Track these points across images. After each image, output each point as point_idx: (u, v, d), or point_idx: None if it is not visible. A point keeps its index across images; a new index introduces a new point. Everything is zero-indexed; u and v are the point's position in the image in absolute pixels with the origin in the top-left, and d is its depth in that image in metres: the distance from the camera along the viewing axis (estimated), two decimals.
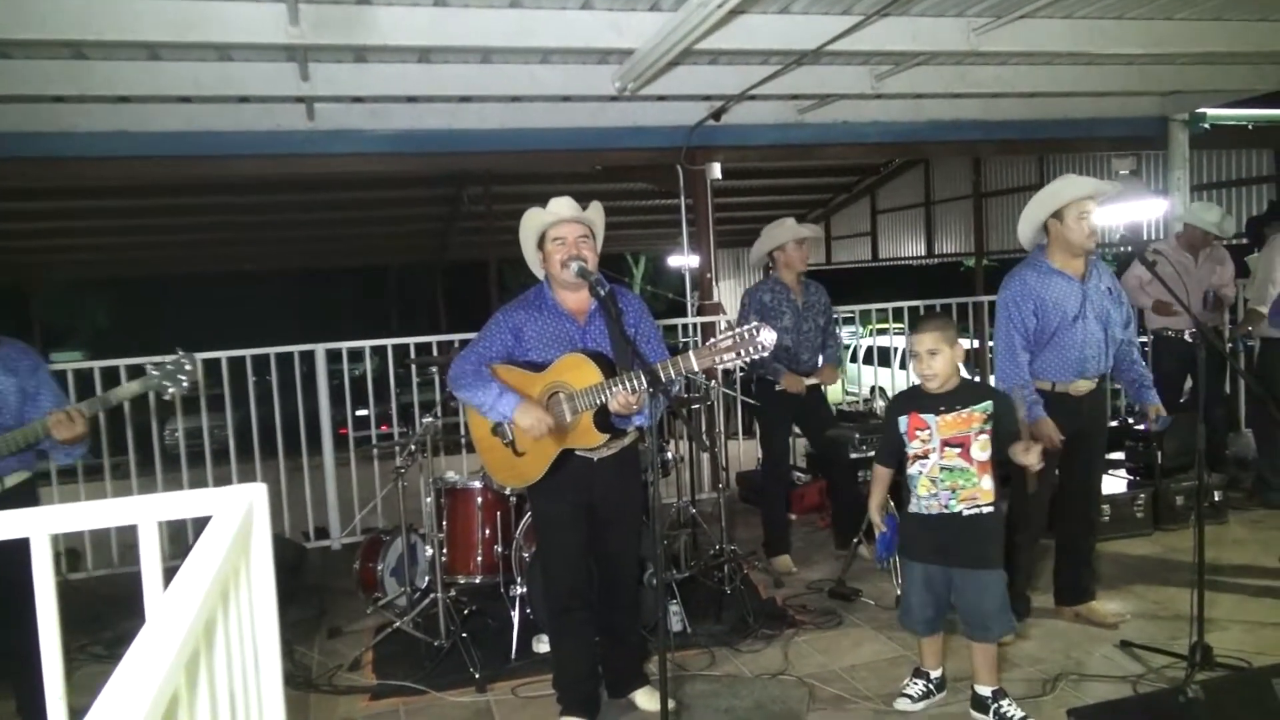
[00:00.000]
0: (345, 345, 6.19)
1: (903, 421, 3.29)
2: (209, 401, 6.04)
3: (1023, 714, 3.17)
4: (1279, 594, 4.24)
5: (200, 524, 1.22)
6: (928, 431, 3.24)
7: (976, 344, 8.40)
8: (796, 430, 5.47)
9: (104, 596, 4.95)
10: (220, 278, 20.93)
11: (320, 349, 6.00)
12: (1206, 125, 7.01)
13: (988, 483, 3.19)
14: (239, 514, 1.20)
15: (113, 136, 5.54)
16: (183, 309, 22.84)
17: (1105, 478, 5.53)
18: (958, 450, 3.19)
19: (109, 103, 5.31)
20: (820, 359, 5.08)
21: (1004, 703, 3.20)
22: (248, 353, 5.89)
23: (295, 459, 6.16)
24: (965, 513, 3.19)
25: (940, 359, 3.19)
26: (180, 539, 4.84)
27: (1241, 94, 6.61)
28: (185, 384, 3.18)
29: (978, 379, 3.42)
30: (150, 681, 0.77)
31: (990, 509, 3.19)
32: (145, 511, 1.26)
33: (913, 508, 3.31)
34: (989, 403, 3.19)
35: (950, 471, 3.20)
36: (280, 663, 1.46)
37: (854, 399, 11.11)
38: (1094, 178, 3.92)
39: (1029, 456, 3.16)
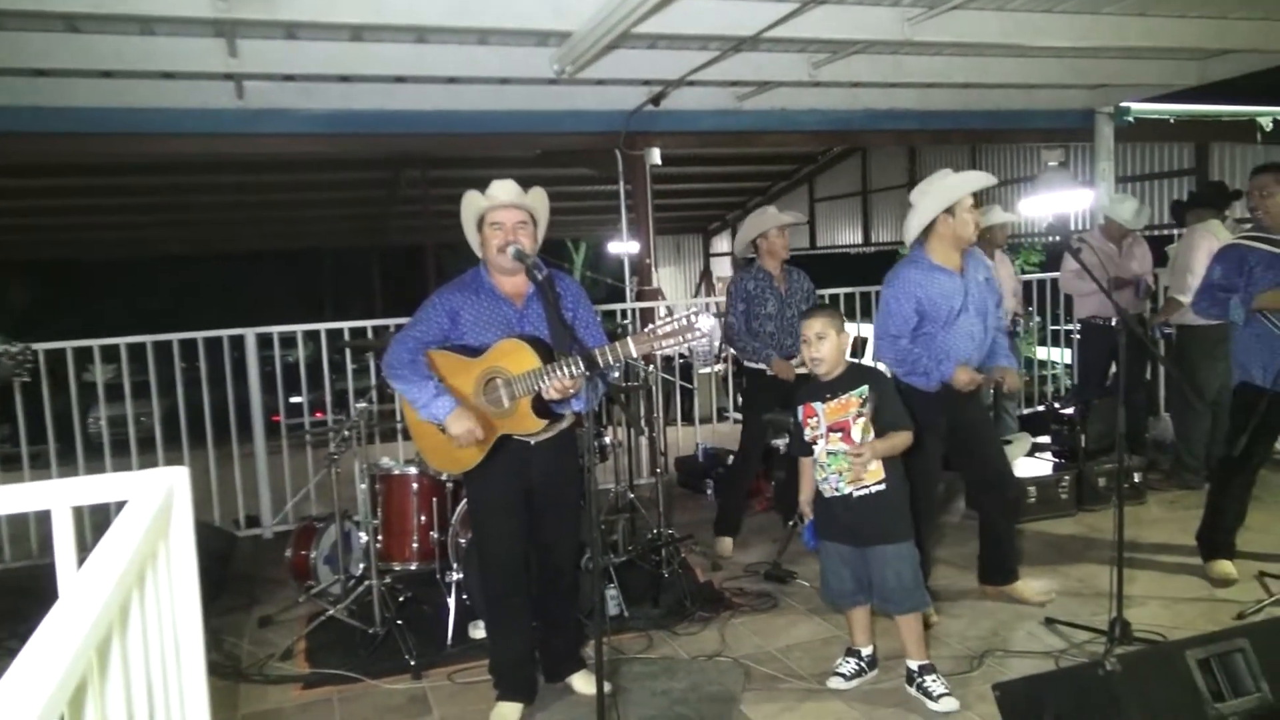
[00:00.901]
0: (276, 330, 6.05)
1: (799, 411, 3.39)
2: (135, 388, 5.86)
3: (944, 689, 3.24)
4: (1194, 571, 4.41)
5: None
6: (816, 419, 3.33)
7: None
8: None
9: (21, 589, 4.78)
10: (146, 261, 20.30)
11: (250, 333, 5.86)
12: (1131, 119, 7.23)
13: (873, 463, 3.26)
14: (158, 497, 1.17)
15: (26, 112, 5.31)
16: (107, 293, 22.11)
17: (1032, 460, 5.71)
18: (839, 435, 3.28)
19: (24, 76, 5.09)
20: None
21: (928, 678, 3.28)
22: (174, 337, 5.73)
23: (226, 447, 6.01)
24: (855, 494, 3.28)
25: (827, 344, 3.28)
26: (105, 531, 4.70)
27: (1164, 89, 6.81)
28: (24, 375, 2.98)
29: (862, 362, 3.48)
30: (57, 663, 0.74)
31: (881, 487, 3.26)
32: (58, 496, 1.22)
33: (818, 489, 3.40)
34: (864, 387, 3.27)
35: (835, 456, 3.29)
36: (204, 650, 1.42)
37: None
38: (982, 171, 4.01)
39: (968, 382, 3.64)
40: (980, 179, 3.88)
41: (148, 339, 5.63)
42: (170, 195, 12.46)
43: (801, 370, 4.99)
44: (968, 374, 3.82)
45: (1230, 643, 2.65)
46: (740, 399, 5.74)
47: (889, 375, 3.68)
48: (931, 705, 3.22)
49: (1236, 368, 4.28)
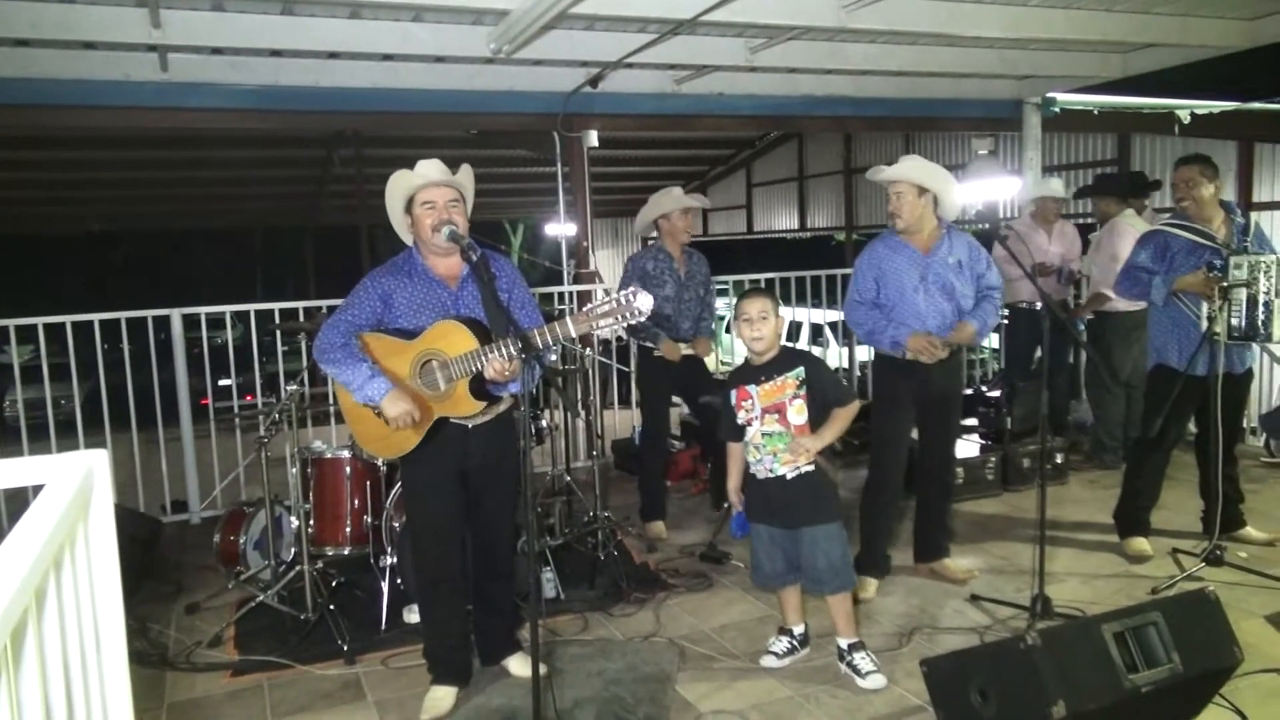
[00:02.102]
0: (204, 310, 5.88)
1: (732, 395, 3.42)
2: (54, 370, 5.66)
3: (873, 666, 3.32)
4: (1112, 548, 4.58)
5: None
6: (751, 401, 3.37)
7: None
8: (675, 400, 5.54)
9: None
10: (66, 238, 19.58)
11: (176, 314, 5.69)
12: (1057, 109, 7.41)
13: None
14: (75, 480, 1.13)
15: None
16: (24, 271, 21.28)
17: (960, 442, 5.85)
18: (776, 416, 3.32)
19: None
20: (697, 329, 5.15)
21: (857, 655, 3.36)
22: (95, 317, 5.54)
23: (151, 431, 5.85)
24: (789, 475, 3.33)
25: (769, 325, 3.33)
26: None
27: (1088, 80, 6.99)
28: None
29: (796, 346, 3.53)
30: None
31: (810, 468, 3.31)
32: None
33: (750, 472, 3.44)
34: (801, 368, 3.32)
35: (770, 437, 3.33)
36: (127, 637, 1.39)
37: (728, 367, 11.33)
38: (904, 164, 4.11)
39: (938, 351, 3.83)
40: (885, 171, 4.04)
41: (67, 319, 5.43)
42: (92, 171, 12.01)
43: (687, 352, 5.05)
44: (920, 340, 3.91)
45: (1144, 616, 2.76)
46: (633, 379, 5.76)
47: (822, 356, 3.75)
48: (860, 682, 3.31)
49: (1152, 351, 4.45)
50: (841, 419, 3.33)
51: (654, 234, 5.16)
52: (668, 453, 5.87)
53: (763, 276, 7.41)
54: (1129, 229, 5.66)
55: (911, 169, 3.96)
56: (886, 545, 4.29)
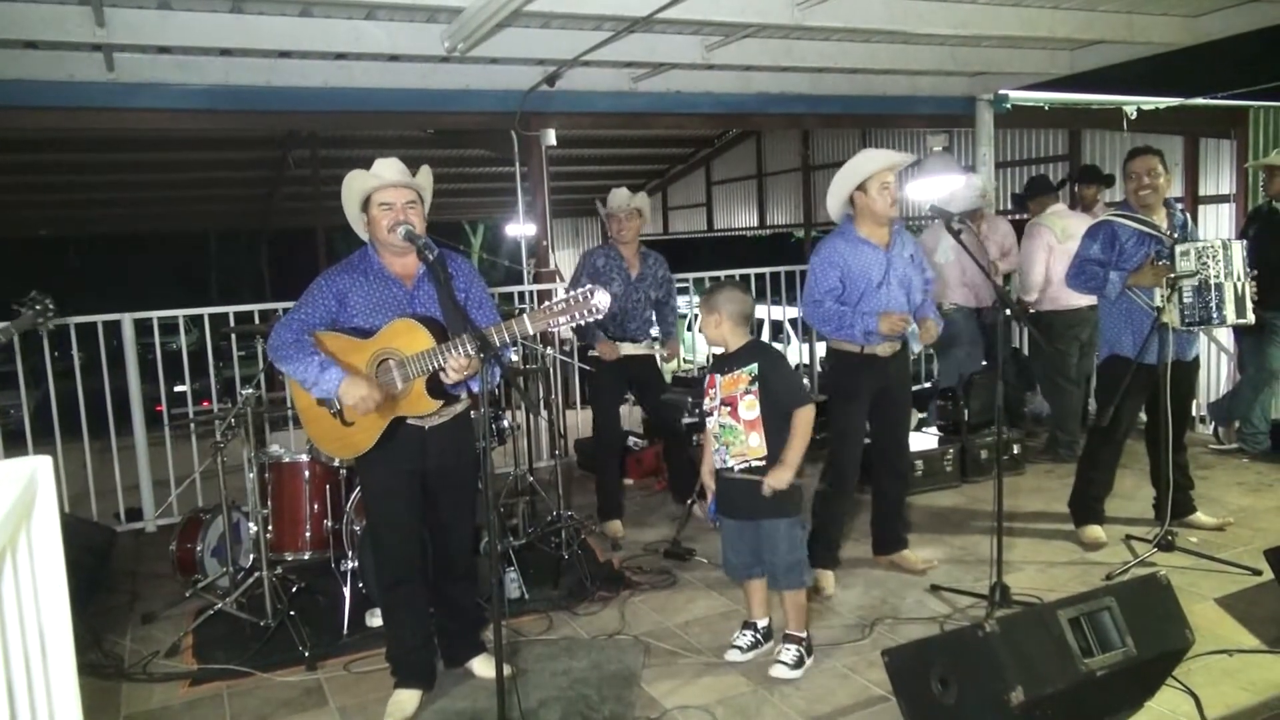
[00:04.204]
0: (156, 314, 5.77)
1: (706, 380, 3.46)
2: (0, 378, 5.51)
3: (792, 664, 3.33)
4: (1067, 536, 4.66)
5: None
6: (714, 390, 3.40)
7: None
8: (630, 397, 5.56)
9: None
10: (11, 242, 19.12)
11: (127, 318, 5.58)
12: (1009, 106, 7.51)
13: (755, 440, 3.31)
14: (17, 486, 1.11)
15: None
16: None
17: (919, 434, 5.93)
18: (729, 410, 3.34)
19: None
20: (652, 329, 5.18)
21: (790, 647, 3.38)
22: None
23: (104, 439, 5.73)
24: (738, 469, 3.34)
25: (710, 321, 3.40)
26: None
27: (1038, 77, 7.11)
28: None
29: (763, 340, 3.55)
30: None
31: (762, 463, 3.31)
32: None
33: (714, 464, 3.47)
34: (755, 364, 3.32)
35: (724, 429, 3.36)
36: (76, 648, 1.36)
37: (690, 366, 11.36)
38: (892, 150, 4.17)
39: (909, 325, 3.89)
40: (886, 158, 4.00)
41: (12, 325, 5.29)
42: (37, 174, 11.74)
43: (638, 352, 5.08)
44: (894, 318, 3.94)
45: (1098, 602, 2.81)
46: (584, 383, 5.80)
47: (783, 352, 3.76)
48: (771, 669, 3.34)
49: (1104, 344, 4.53)
50: (801, 431, 3.29)
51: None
52: (626, 451, 5.88)
53: (723, 274, 7.43)
54: (1041, 235, 5.98)
55: (899, 155, 4.01)
56: (840, 537, 4.32)
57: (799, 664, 3.35)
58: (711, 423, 3.41)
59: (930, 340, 4.16)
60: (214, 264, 25.30)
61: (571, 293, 2.83)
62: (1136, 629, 2.77)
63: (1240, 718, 2.93)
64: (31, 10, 4.46)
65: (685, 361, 11.54)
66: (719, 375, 3.39)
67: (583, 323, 2.84)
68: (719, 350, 3.50)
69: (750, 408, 3.31)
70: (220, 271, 25.04)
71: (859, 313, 3.97)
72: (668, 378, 6.04)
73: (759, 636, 3.54)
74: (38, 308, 3.85)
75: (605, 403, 5.22)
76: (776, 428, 3.31)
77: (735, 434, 3.33)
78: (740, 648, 3.51)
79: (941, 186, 6.61)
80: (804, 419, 3.31)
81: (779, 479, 3.26)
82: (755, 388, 3.31)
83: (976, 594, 3.89)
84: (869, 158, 3.99)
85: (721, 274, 7.42)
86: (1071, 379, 6.07)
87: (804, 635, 3.43)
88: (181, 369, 6.10)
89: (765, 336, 10.30)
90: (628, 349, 5.05)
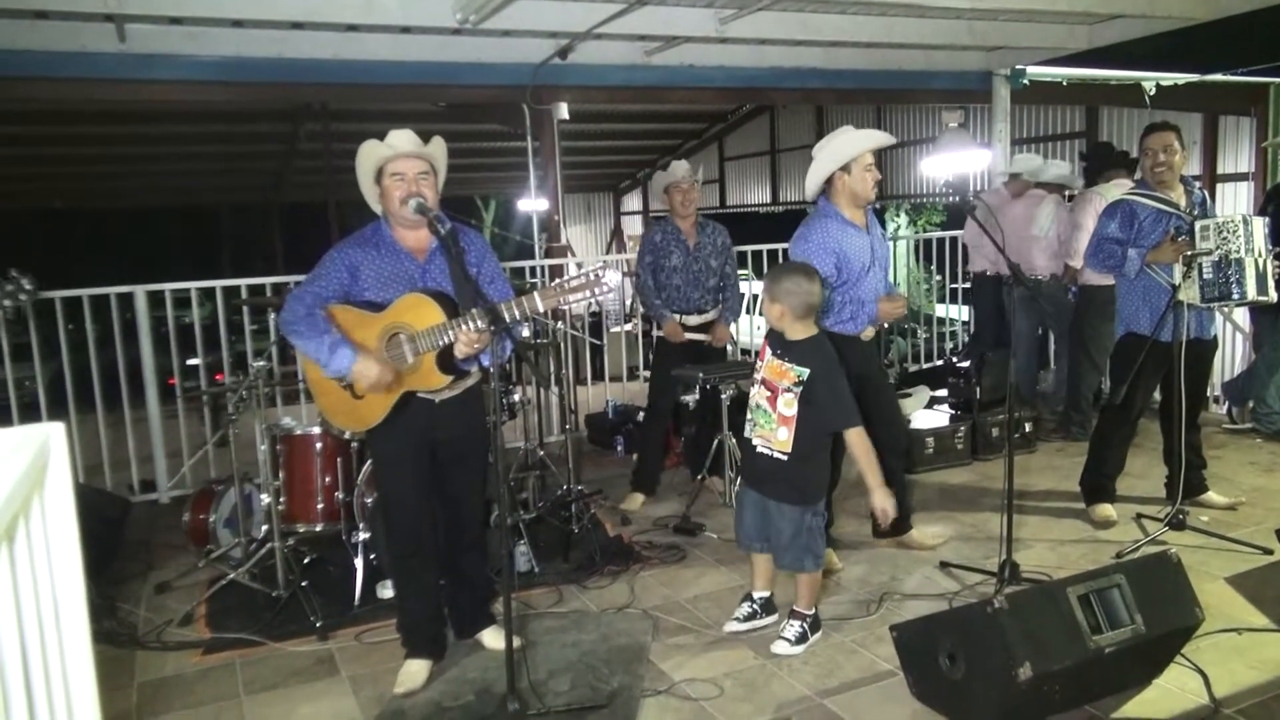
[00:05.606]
0: (168, 287, 5.79)
1: (759, 347, 3.42)
2: (16, 350, 5.55)
3: (793, 641, 3.34)
4: (1078, 514, 4.65)
5: None
6: (762, 364, 3.37)
7: None
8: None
9: None
10: (25, 215, 19.17)
11: (140, 290, 5.60)
12: (1026, 81, 7.43)
13: (784, 434, 3.28)
14: (30, 452, 1.11)
15: None
16: None
17: (931, 413, 5.91)
18: (769, 395, 3.32)
19: None
20: (717, 299, 5.15)
21: (793, 623, 3.38)
22: (56, 295, 5.43)
23: (118, 411, 5.77)
24: (760, 448, 3.34)
25: (773, 309, 3.33)
26: None
27: (1055, 52, 7.00)
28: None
29: (822, 341, 3.45)
30: None
31: (783, 458, 3.28)
32: None
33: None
34: (805, 370, 3.25)
35: (758, 409, 3.36)
36: (90, 615, 1.37)
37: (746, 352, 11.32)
38: (874, 129, 4.10)
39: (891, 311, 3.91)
40: (877, 138, 3.95)
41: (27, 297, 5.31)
42: (52, 146, 11.75)
43: (698, 337, 5.06)
44: (890, 303, 3.93)
45: (1108, 579, 2.81)
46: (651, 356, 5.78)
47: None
48: (773, 645, 3.36)
49: (1121, 321, 4.48)
50: (863, 453, 3.27)
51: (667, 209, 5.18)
52: (666, 431, 5.85)
53: (736, 250, 7.39)
54: (1096, 197, 5.77)
55: (881, 135, 3.97)
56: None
57: (801, 640, 3.36)
58: (754, 392, 3.39)
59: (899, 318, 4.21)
60: (226, 237, 25.31)
61: (584, 270, 2.82)
62: (1146, 607, 2.77)
63: (1248, 696, 2.93)
64: None
65: (743, 350, 11.48)
66: (770, 353, 3.34)
67: (597, 302, 2.83)
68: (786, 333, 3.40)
69: (789, 405, 3.26)
70: (232, 244, 25.06)
71: (857, 301, 3.91)
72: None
73: (756, 608, 3.55)
74: (9, 288, 3.53)
75: (661, 380, 5.22)
76: (809, 433, 3.27)
77: (767, 419, 3.31)
78: (738, 618, 3.53)
79: (958, 162, 6.56)
80: (858, 442, 3.29)
81: (885, 502, 3.28)
82: (799, 390, 3.25)
83: (986, 571, 3.88)
84: (852, 138, 3.87)
85: (736, 250, 7.40)
86: (1095, 358, 5.98)
87: (810, 613, 3.43)
88: (194, 342, 6.12)
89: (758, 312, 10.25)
90: (694, 320, 5.05)
